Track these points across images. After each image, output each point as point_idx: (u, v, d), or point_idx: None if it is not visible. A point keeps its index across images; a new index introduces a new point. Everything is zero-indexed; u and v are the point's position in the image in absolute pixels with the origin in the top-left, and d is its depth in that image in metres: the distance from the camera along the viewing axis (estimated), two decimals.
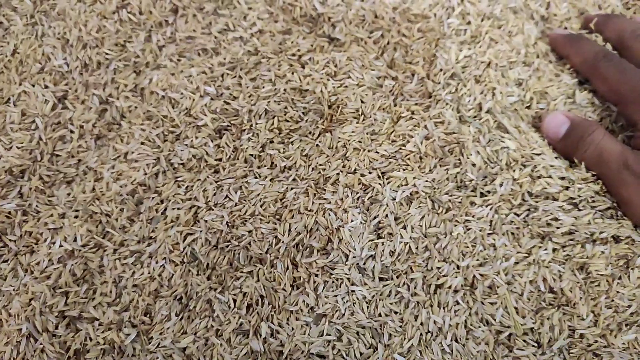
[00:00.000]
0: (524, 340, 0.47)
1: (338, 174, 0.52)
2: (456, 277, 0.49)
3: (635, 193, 0.49)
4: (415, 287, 0.49)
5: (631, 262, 0.49)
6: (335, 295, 0.48)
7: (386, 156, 0.52)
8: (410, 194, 0.51)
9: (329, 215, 0.50)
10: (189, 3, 0.59)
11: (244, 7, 0.59)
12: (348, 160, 0.52)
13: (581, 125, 0.52)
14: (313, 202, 0.51)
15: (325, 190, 0.51)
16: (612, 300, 0.48)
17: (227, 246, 0.51)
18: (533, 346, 0.47)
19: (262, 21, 0.59)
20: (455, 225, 0.50)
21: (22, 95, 0.56)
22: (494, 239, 0.50)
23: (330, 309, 0.48)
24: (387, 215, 0.50)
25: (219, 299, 0.49)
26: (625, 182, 0.50)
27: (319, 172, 0.52)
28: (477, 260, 0.49)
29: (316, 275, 0.49)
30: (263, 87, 0.56)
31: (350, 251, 0.49)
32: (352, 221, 0.50)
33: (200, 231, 0.51)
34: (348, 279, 0.49)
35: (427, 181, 0.51)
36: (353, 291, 0.48)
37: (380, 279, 0.49)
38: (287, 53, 0.57)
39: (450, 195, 0.51)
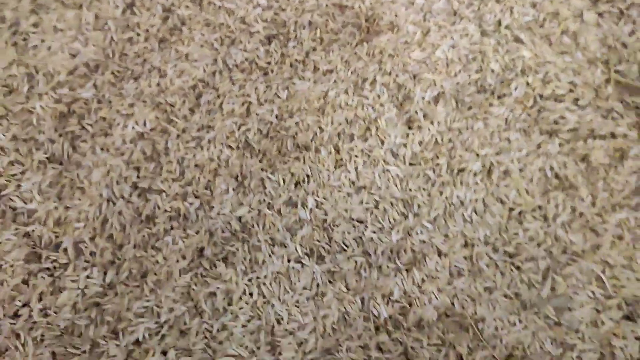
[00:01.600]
0: (533, 216, 0.55)
1: (375, 75, 0.59)
2: (476, 162, 0.57)
3: None
4: (440, 171, 0.57)
5: (625, 154, 0.57)
6: (373, 172, 0.56)
7: (417, 61, 0.60)
8: (438, 94, 0.59)
9: (367, 109, 0.58)
10: None
11: None
12: (384, 64, 0.60)
13: None
14: (353, 99, 0.59)
15: (363, 89, 0.59)
16: (609, 185, 0.56)
17: (276, 135, 0.59)
18: (539, 220, 0.55)
19: None
20: (476, 122, 0.58)
21: (94, 1, 0.63)
22: (509, 134, 0.58)
23: (369, 182, 0.55)
24: (417, 112, 0.58)
25: (270, 178, 0.57)
26: None
27: (358, 75, 0.60)
28: (494, 150, 0.57)
29: (356, 157, 0.56)
30: (308, 2, 0.63)
31: (385, 137, 0.57)
32: (387, 113, 0.58)
33: (253, 123, 0.59)
34: (384, 160, 0.56)
35: (452, 84, 0.59)
36: (388, 170, 0.56)
37: (411, 164, 0.57)
38: None
39: (472, 97, 0.59)
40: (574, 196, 0.56)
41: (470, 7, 0.62)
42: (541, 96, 0.59)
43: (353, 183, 0.56)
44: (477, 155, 0.57)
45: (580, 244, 0.54)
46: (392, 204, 0.55)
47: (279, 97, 0.60)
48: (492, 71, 0.60)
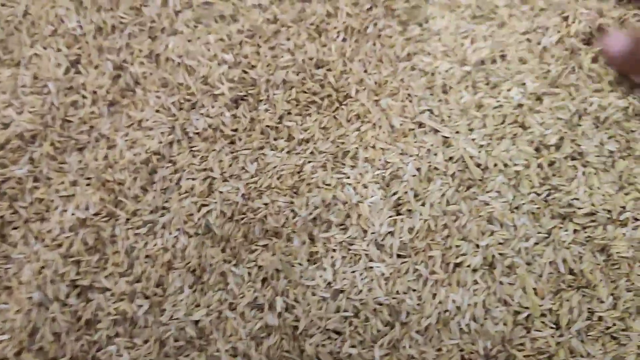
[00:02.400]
0: (542, 322, 0.47)
1: (357, 147, 0.50)
2: (475, 255, 0.48)
3: None
4: (433, 265, 0.48)
5: None
6: (354, 271, 0.47)
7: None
8: (430, 169, 0.50)
9: (348, 190, 0.49)
10: None
11: None
12: (367, 133, 0.51)
13: None
14: (331, 177, 0.50)
15: (344, 164, 0.50)
16: (633, 284, 0.47)
17: (242, 219, 0.50)
18: (551, 327, 0.47)
19: None
20: (474, 203, 0.49)
21: (33, 58, 0.54)
22: (514, 218, 0.49)
23: (347, 284, 0.47)
24: (406, 192, 0.49)
25: (233, 271, 0.48)
26: None
27: (338, 147, 0.51)
28: (497, 239, 0.48)
29: (334, 251, 0.48)
30: (282, 57, 0.54)
31: (368, 227, 0.48)
32: (371, 196, 0.49)
33: (216, 203, 0.50)
34: (366, 255, 0.48)
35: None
36: (371, 267, 0.47)
37: (399, 256, 0.48)
38: (306, 22, 0.55)
39: (470, 172, 0.50)
40: (592, 297, 0.47)
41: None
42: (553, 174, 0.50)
43: (329, 284, 0.47)
44: (477, 246, 0.48)
45: (599, 356, 0.46)
46: (375, 310, 0.46)
47: (246, 171, 0.51)
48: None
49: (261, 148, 0.52)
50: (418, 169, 0.49)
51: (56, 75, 0.54)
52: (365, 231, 0.48)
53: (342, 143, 0.51)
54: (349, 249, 0.48)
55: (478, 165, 0.50)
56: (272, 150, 0.52)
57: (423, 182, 0.49)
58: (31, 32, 0.56)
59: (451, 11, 0.56)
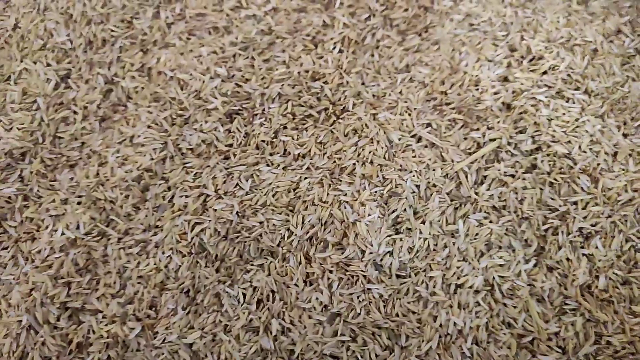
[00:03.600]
0: (548, 346, 0.45)
1: (355, 163, 0.49)
2: (477, 276, 0.46)
3: None
4: (434, 286, 0.46)
5: None
6: (351, 294, 0.46)
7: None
8: (430, 185, 0.48)
9: (345, 208, 0.48)
10: None
11: None
12: (365, 149, 0.49)
13: None
14: (328, 194, 0.48)
15: (341, 181, 0.48)
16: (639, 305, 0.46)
17: (237, 237, 0.49)
18: (557, 352, 0.45)
19: None
20: (471, 221, 0.47)
21: (23, 73, 0.53)
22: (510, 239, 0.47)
23: (345, 307, 0.45)
24: (405, 210, 0.48)
25: (228, 292, 0.47)
26: None
27: (335, 162, 0.49)
28: (497, 260, 0.46)
29: (330, 272, 0.46)
30: (276, 70, 0.52)
31: (366, 247, 0.47)
32: (369, 215, 0.47)
33: (209, 221, 0.49)
34: (364, 276, 0.46)
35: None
36: (369, 289, 0.46)
37: (398, 276, 0.47)
38: (301, 33, 0.54)
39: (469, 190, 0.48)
40: (598, 321, 0.45)
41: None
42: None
43: (326, 307, 0.45)
44: (475, 268, 0.46)
45: None
46: (373, 334, 0.45)
47: (241, 188, 0.50)
48: None
49: (256, 164, 0.51)
50: (417, 186, 0.48)
51: (46, 91, 0.52)
52: (363, 251, 0.46)
53: (339, 159, 0.49)
54: (346, 270, 0.46)
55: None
56: (267, 165, 0.50)
57: (422, 199, 0.48)
58: (21, 46, 0.54)
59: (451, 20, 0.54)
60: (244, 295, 0.47)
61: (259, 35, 0.53)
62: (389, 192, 0.48)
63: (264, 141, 0.51)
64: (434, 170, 0.48)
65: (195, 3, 0.54)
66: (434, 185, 0.48)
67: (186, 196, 0.50)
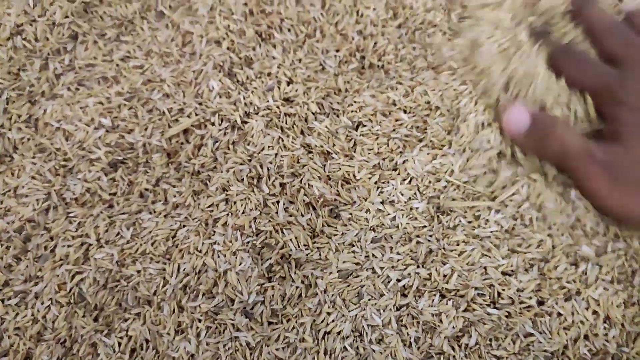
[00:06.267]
0: None
1: (227, 214, 0.50)
2: (345, 322, 0.47)
3: (602, 184, 0.49)
4: (304, 332, 0.47)
5: None
6: (217, 342, 0.47)
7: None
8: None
9: (218, 257, 0.49)
10: (90, 29, 0.57)
11: (147, 33, 0.57)
12: (233, 201, 0.50)
13: (543, 121, 0.51)
14: (203, 243, 0.50)
15: (214, 232, 0.50)
16: None
17: (116, 286, 0.50)
18: None
19: (166, 47, 0.57)
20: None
21: None
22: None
23: (210, 356, 0.46)
24: (279, 260, 0.49)
25: (104, 342, 0.48)
26: (591, 175, 0.50)
27: (209, 213, 0.50)
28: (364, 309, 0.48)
29: (199, 321, 0.47)
30: (159, 120, 0.54)
31: (236, 295, 0.48)
32: (240, 264, 0.48)
33: (90, 270, 0.50)
34: (232, 324, 0.47)
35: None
36: (237, 337, 0.47)
37: (269, 322, 0.48)
38: (185, 81, 0.55)
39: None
40: None
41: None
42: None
43: (192, 356, 0.46)
44: (344, 315, 0.47)
45: None
46: None
47: (122, 237, 0.51)
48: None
49: (139, 212, 0.52)
50: (296, 237, 0.49)
51: None
52: (232, 300, 0.48)
53: (212, 212, 0.50)
54: (215, 319, 0.47)
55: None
56: (150, 214, 0.51)
57: (300, 246, 0.49)
58: None
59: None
60: (119, 344, 0.48)
61: (143, 85, 0.54)
62: (261, 243, 0.49)
63: (147, 189, 0.52)
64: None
65: (84, 54, 0.55)
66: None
67: (68, 245, 0.51)
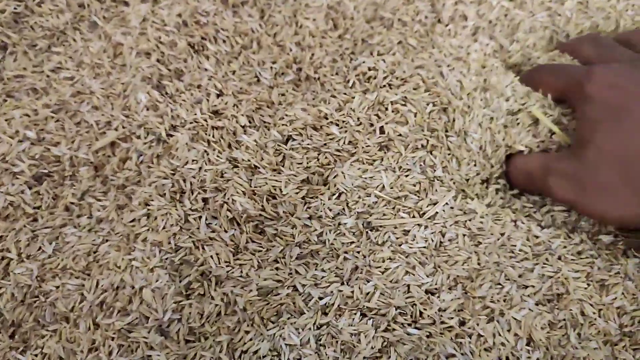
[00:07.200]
0: None
1: (148, 230, 0.49)
2: (262, 341, 0.46)
3: (569, 196, 0.49)
4: (220, 351, 0.46)
5: None
6: None
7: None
8: None
9: (136, 273, 0.48)
10: (20, 40, 0.56)
11: (79, 44, 0.57)
12: (154, 217, 0.49)
13: (513, 163, 0.53)
14: (122, 259, 0.49)
15: (134, 248, 0.49)
16: None
17: (34, 302, 0.49)
18: None
19: (98, 59, 0.56)
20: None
21: None
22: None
23: None
24: (198, 278, 0.48)
25: (18, 359, 0.47)
26: (555, 189, 0.50)
27: (129, 228, 0.50)
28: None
29: (112, 339, 0.46)
30: (87, 133, 0.53)
31: (151, 313, 0.47)
32: (157, 281, 0.47)
33: (9, 285, 0.49)
34: (146, 343, 0.46)
35: None
36: (149, 356, 0.46)
37: (187, 341, 0.47)
38: (114, 93, 0.54)
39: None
40: None
41: None
42: None
43: None
44: (262, 334, 0.46)
45: None
46: None
47: (44, 251, 0.50)
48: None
49: (63, 225, 0.51)
50: (217, 254, 0.48)
51: None
52: (147, 317, 0.47)
53: (133, 227, 0.49)
54: (128, 337, 0.46)
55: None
56: (74, 228, 0.50)
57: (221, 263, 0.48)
58: None
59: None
60: None
61: (72, 97, 0.53)
62: (180, 260, 0.48)
63: (72, 202, 0.52)
64: None
65: (13, 65, 0.55)
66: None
67: None
